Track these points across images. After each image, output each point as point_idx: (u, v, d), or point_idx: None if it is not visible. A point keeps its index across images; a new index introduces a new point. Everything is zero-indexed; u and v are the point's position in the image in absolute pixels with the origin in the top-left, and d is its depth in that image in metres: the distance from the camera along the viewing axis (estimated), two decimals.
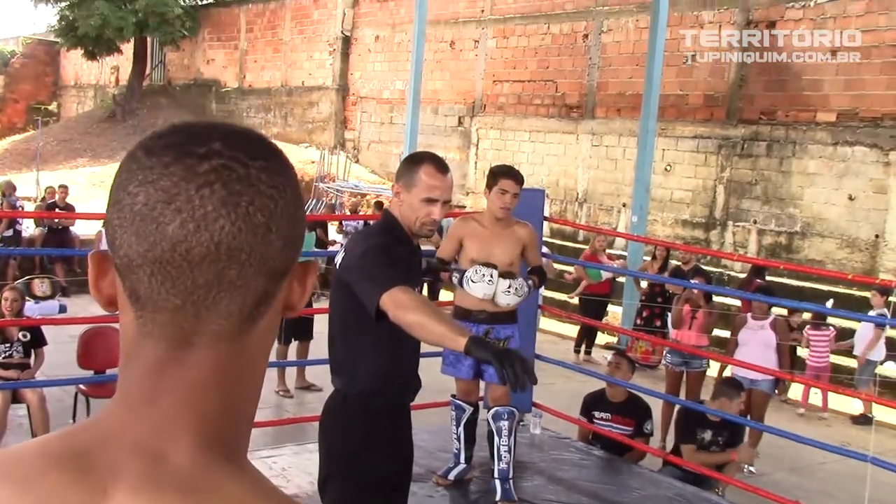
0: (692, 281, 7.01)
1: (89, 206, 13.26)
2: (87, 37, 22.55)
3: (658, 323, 8.79)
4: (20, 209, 11.77)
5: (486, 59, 16.74)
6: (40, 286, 9.43)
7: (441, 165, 2.81)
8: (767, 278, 9.04)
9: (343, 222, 12.47)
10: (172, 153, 0.64)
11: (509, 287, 4.09)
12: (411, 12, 15.74)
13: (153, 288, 0.64)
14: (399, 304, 2.45)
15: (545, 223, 6.00)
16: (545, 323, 9.74)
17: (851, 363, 8.49)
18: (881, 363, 8.20)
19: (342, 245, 4.11)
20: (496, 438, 4.21)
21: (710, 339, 7.26)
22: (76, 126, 25.72)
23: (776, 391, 7.30)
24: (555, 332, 10.25)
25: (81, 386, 5.75)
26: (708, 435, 5.23)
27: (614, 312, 10.74)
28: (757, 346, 6.42)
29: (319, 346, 4.49)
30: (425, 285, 7.19)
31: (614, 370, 5.67)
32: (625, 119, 13.87)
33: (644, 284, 9.38)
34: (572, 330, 10.08)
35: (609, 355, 6.58)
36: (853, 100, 11.30)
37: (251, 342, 0.68)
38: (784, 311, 7.77)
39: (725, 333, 7.81)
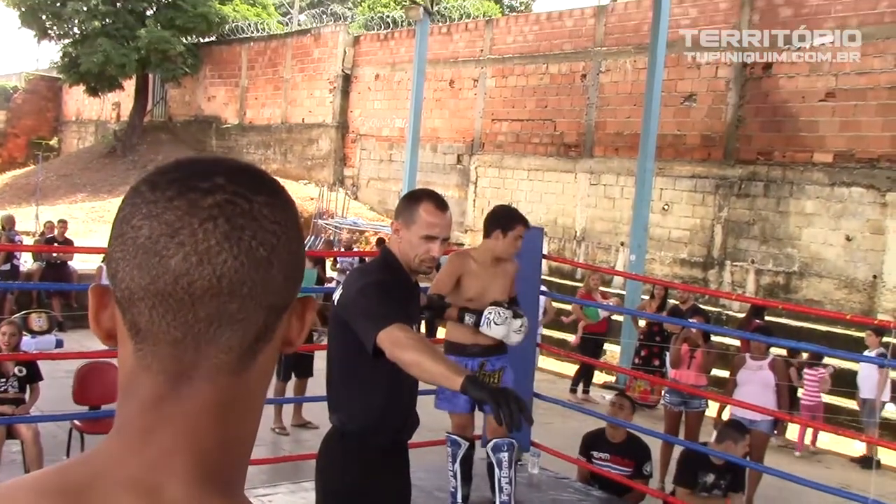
0: (690, 320, 7.00)
1: (88, 240, 13.27)
2: (90, 73, 22.78)
3: (656, 362, 8.75)
4: (19, 243, 11.77)
5: (485, 98, 16.88)
6: (37, 321, 9.40)
7: (440, 203, 2.82)
8: (766, 318, 9.02)
9: (338, 259, 12.50)
10: (176, 187, 0.65)
11: (521, 326, 4.15)
12: (411, 51, 15.94)
13: (154, 321, 0.64)
14: (396, 342, 2.45)
15: (543, 261, 6.01)
16: (543, 362, 9.70)
17: (851, 404, 8.45)
18: (884, 404, 8.14)
19: (338, 282, 4.10)
20: (496, 471, 4.18)
21: (709, 379, 7.22)
22: (76, 161, 25.86)
23: (775, 432, 7.25)
24: (553, 371, 10.21)
25: (76, 421, 5.70)
26: (710, 478, 5.16)
27: (612, 351, 10.71)
28: (756, 386, 6.38)
29: (318, 382, 4.46)
30: (423, 321, 7.16)
31: (617, 411, 5.58)
32: (623, 158, 13.96)
33: (642, 323, 9.36)
34: (570, 369, 10.04)
35: (608, 395, 6.54)
36: (849, 141, 11.39)
37: (250, 377, 0.68)
38: (783, 352, 7.74)
39: (724, 373, 7.77)
